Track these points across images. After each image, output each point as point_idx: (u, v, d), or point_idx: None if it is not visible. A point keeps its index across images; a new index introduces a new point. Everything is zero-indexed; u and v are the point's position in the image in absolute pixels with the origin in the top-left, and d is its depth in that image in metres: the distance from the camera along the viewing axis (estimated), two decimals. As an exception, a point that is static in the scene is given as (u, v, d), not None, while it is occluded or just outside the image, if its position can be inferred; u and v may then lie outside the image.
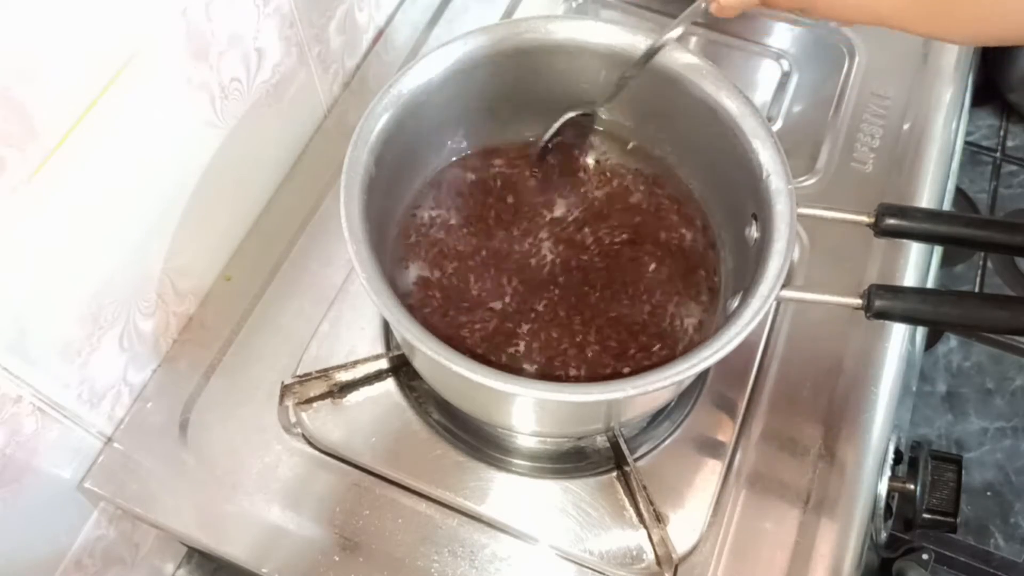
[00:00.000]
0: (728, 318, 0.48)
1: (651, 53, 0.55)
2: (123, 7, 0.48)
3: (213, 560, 0.74)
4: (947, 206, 0.77)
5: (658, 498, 0.57)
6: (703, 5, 0.52)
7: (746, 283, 0.50)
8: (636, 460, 0.58)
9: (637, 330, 0.57)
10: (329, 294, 0.66)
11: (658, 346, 0.57)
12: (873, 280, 0.65)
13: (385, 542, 0.57)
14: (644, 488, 0.57)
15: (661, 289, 0.59)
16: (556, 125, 0.62)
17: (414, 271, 0.59)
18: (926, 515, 0.61)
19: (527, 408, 0.53)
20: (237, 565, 0.57)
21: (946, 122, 0.76)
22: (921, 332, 0.76)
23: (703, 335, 0.57)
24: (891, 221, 0.51)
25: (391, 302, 0.46)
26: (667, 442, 0.60)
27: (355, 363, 0.61)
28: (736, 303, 0.50)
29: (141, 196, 0.55)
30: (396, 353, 0.62)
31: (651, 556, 0.56)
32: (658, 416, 0.61)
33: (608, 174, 0.63)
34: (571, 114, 0.62)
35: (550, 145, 0.63)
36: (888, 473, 0.61)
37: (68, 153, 0.47)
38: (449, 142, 0.62)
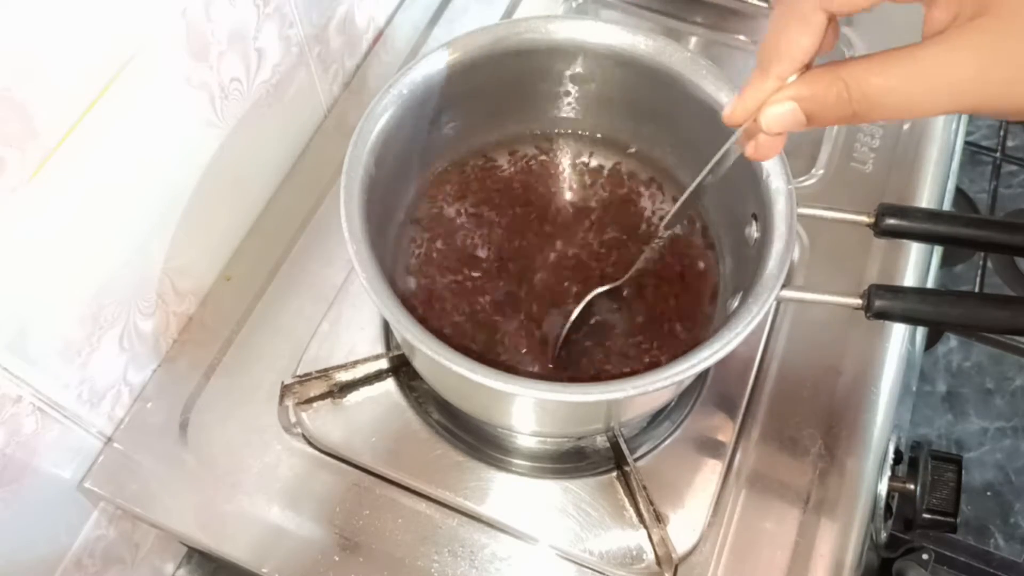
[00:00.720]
0: (728, 318, 0.48)
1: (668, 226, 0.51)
2: (123, 7, 0.48)
3: (213, 560, 0.74)
4: (947, 206, 0.77)
5: (658, 498, 0.57)
6: (732, 152, 0.43)
7: (746, 283, 0.50)
8: (636, 460, 0.58)
9: (635, 331, 0.57)
10: (329, 294, 0.66)
11: (656, 346, 0.57)
12: (873, 280, 0.65)
13: (385, 542, 0.57)
14: (644, 488, 0.57)
15: (660, 290, 0.59)
16: (580, 307, 0.56)
17: (414, 270, 0.59)
18: (926, 515, 0.61)
19: (527, 408, 0.53)
20: (237, 565, 0.57)
21: (946, 122, 0.76)
22: (921, 332, 0.76)
23: (703, 335, 0.57)
24: (891, 221, 0.51)
25: (391, 302, 0.46)
26: (667, 442, 0.60)
27: (355, 363, 0.61)
28: (736, 303, 0.50)
29: (141, 196, 0.55)
30: (396, 353, 0.62)
31: (651, 556, 0.56)
32: (658, 416, 0.61)
33: (608, 175, 0.63)
34: (599, 289, 0.56)
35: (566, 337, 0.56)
36: (888, 473, 0.61)
37: (68, 153, 0.47)
38: (449, 142, 0.62)
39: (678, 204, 0.49)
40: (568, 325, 0.55)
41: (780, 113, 0.37)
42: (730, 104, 0.40)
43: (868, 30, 0.78)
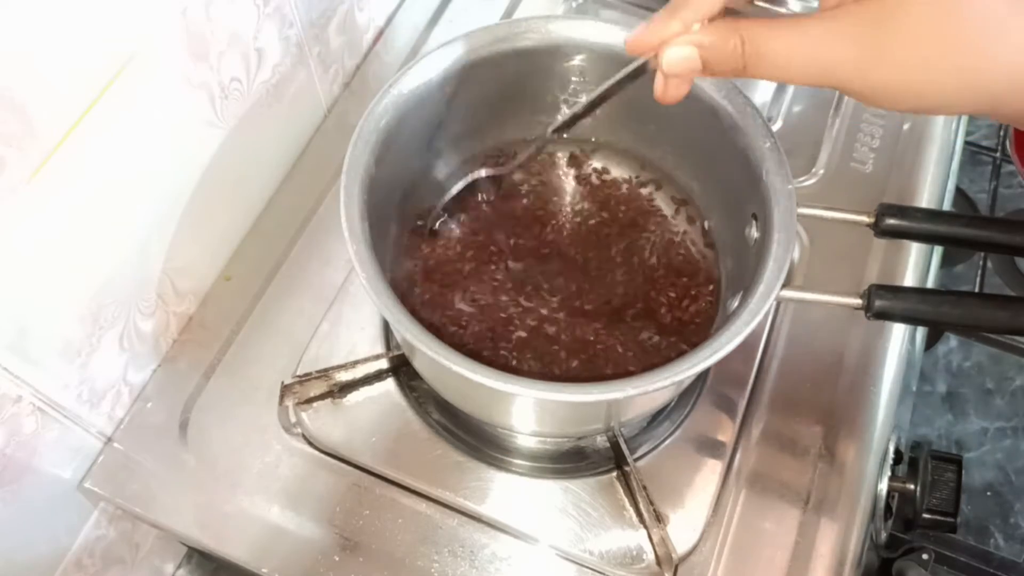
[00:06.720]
0: (728, 318, 0.48)
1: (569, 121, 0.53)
2: (123, 7, 0.48)
3: (213, 560, 0.74)
4: (947, 206, 0.77)
5: (658, 498, 0.57)
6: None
7: (746, 283, 0.50)
8: (636, 460, 0.58)
9: (636, 331, 0.57)
10: (329, 294, 0.66)
11: (655, 346, 0.57)
12: (873, 280, 0.65)
13: (385, 542, 0.57)
14: (644, 488, 0.57)
15: (660, 290, 0.59)
16: (461, 184, 0.59)
17: (415, 270, 0.59)
18: (926, 515, 0.61)
19: (527, 408, 0.53)
20: (237, 565, 0.57)
21: (946, 122, 0.76)
22: (921, 332, 0.76)
23: (702, 336, 0.57)
24: (891, 221, 0.51)
25: (391, 302, 0.46)
26: (667, 442, 0.60)
27: (355, 363, 0.61)
28: (736, 303, 0.50)
29: (141, 196, 0.55)
30: (396, 353, 0.62)
31: (651, 556, 0.56)
32: (658, 416, 0.61)
33: (607, 176, 0.63)
34: (481, 172, 0.60)
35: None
36: (888, 473, 0.61)
37: (68, 153, 0.47)
38: (449, 142, 0.62)
39: (576, 108, 0.51)
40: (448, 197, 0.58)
41: (680, 56, 0.39)
42: (634, 34, 0.41)
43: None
